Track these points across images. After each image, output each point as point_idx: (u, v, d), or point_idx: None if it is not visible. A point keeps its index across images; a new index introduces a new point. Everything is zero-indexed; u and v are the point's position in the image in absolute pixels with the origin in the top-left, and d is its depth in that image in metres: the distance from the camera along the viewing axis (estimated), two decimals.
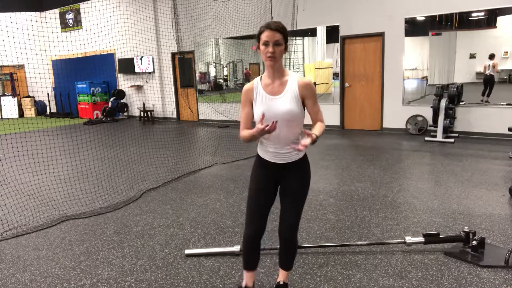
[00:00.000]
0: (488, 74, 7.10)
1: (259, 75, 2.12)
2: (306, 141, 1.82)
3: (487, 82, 7.15)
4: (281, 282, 2.35)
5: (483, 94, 7.21)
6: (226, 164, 5.91)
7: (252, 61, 10.21)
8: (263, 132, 1.84)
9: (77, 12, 13.52)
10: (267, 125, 1.81)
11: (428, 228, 3.33)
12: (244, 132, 2.03)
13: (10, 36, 11.66)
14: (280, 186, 2.16)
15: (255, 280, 2.40)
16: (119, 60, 12.51)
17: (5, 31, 11.95)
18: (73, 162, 6.37)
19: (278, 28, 1.91)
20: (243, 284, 2.33)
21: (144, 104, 11.91)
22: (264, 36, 1.90)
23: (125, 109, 12.69)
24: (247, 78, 10.39)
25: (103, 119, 12.20)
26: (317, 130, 1.95)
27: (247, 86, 2.07)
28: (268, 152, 2.09)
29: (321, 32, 8.83)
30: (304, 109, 2.05)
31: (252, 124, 2.06)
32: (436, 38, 7.60)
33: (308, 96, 2.00)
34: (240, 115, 2.12)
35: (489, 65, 7.06)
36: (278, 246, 2.93)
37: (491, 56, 6.99)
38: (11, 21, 12.29)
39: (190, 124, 11.01)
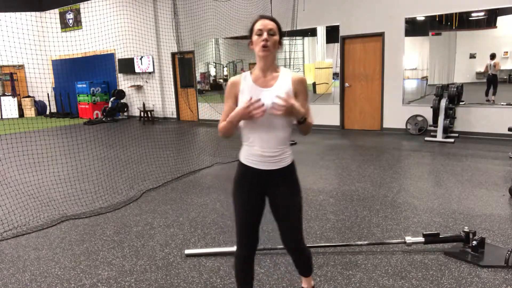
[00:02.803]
0: (491, 74, 7.11)
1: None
2: (290, 100, 1.73)
3: (491, 82, 7.15)
4: None
5: (486, 94, 7.20)
6: (226, 164, 5.90)
7: (252, 61, 10.20)
8: (248, 115, 1.73)
9: (77, 12, 13.52)
10: (253, 103, 1.70)
11: (428, 228, 3.33)
12: (224, 122, 1.88)
13: (10, 36, 11.65)
14: (269, 198, 1.96)
15: None
16: (119, 60, 12.51)
17: (5, 31, 11.94)
18: (73, 162, 6.37)
19: (272, 18, 1.87)
20: None
21: (144, 104, 11.91)
22: (258, 25, 1.83)
23: (125, 109, 12.69)
24: None
25: (103, 119, 12.19)
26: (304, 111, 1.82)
27: (233, 78, 1.92)
28: (254, 155, 1.89)
29: (321, 32, 8.83)
30: None
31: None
32: (436, 38, 7.60)
33: (301, 92, 1.88)
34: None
35: (490, 64, 7.06)
36: (278, 246, 2.95)
37: (492, 56, 7.00)
38: (11, 21, 12.28)
39: (190, 124, 11.01)
